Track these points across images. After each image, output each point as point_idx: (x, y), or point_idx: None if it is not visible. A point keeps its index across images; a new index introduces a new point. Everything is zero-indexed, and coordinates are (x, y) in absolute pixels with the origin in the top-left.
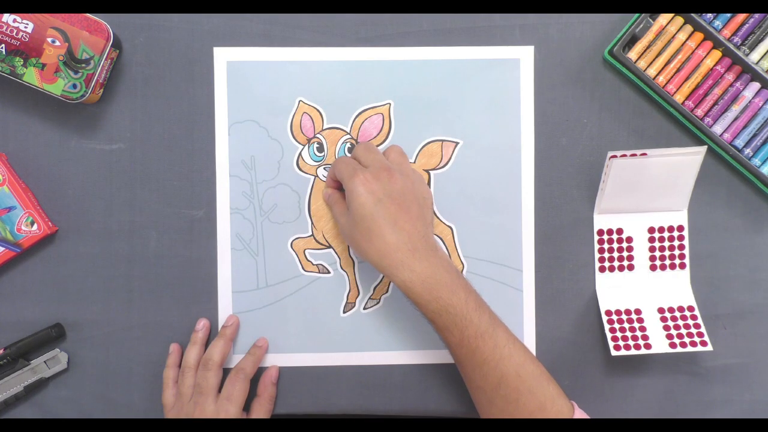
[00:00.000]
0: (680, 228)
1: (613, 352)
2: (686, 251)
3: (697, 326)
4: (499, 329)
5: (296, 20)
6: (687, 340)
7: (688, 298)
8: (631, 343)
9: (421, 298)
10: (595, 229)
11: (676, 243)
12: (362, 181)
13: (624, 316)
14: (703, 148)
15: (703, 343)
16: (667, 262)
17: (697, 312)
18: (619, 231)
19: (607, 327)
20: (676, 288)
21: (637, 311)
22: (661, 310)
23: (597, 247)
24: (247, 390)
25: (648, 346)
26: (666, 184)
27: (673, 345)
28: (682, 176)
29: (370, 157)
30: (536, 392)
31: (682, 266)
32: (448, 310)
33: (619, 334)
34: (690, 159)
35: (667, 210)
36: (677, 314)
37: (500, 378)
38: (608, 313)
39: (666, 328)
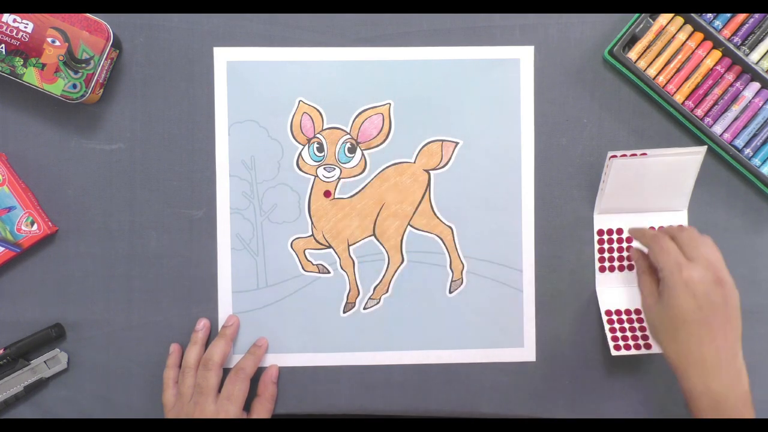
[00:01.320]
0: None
1: (614, 352)
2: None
3: None
4: None
5: (296, 20)
6: None
7: None
8: (631, 343)
9: (705, 413)
10: (595, 229)
11: None
12: (687, 282)
13: (624, 316)
14: (703, 148)
15: None
16: None
17: None
18: (619, 231)
19: (607, 327)
20: None
21: (637, 311)
22: None
23: (597, 247)
24: (247, 390)
25: (648, 346)
26: (666, 184)
27: None
28: (682, 176)
29: (697, 251)
30: None
31: None
32: None
33: (619, 334)
34: (690, 159)
35: (667, 210)
36: None
37: None
38: (608, 313)
39: None
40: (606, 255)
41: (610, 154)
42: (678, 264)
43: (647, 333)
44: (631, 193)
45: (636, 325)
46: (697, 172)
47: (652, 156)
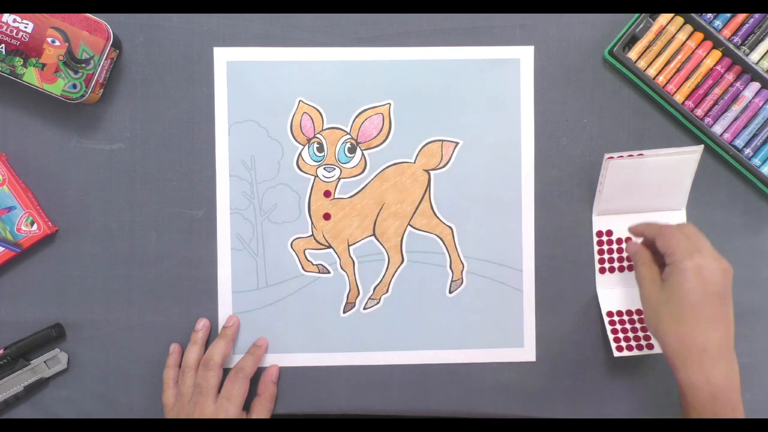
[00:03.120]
0: None
1: (616, 353)
2: None
3: None
4: None
5: (296, 20)
6: None
7: None
8: (633, 343)
9: (701, 406)
10: (594, 231)
11: None
12: (698, 268)
13: (626, 317)
14: (700, 147)
15: None
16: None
17: None
18: (618, 232)
19: (608, 328)
20: None
21: (638, 311)
22: None
23: (596, 248)
24: (246, 390)
25: (650, 346)
26: (663, 183)
27: None
28: (680, 175)
29: (704, 243)
30: None
31: None
32: None
33: (621, 335)
34: (687, 158)
35: (666, 210)
36: None
37: None
38: (609, 314)
39: None
40: (606, 256)
41: (606, 155)
42: (689, 251)
43: (649, 333)
44: (628, 194)
45: (638, 325)
46: (694, 171)
47: (648, 156)
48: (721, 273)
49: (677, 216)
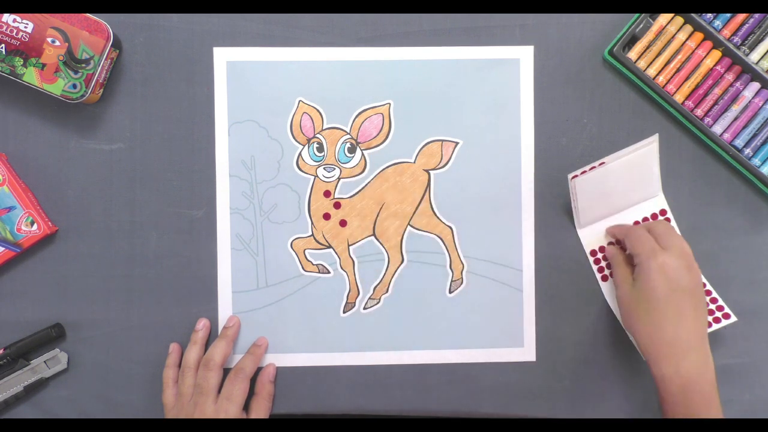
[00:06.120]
0: (663, 212)
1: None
2: (677, 231)
3: (714, 300)
4: None
5: (296, 20)
6: (709, 318)
7: None
8: None
9: (673, 398)
10: (583, 244)
11: None
12: (662, 266)
13: None
14: (655, 137)
15: (726, 316)
16: None
17: (710, 286)
18: (606, 238)
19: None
20: None
21: None
22: None
23: (591, 260)
24: (247, 389)
25: None
26: (633, 180)
27: None
28: (646, 168)
29: (671, 241)
30: None
31: None
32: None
33: None
34: (647, 150)
35: (643, 200)
36: None
37: None
38: None
39: None
40: (603, 264)
41: (570, 175)
42: (653, 250)
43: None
44: (604, 201)
45: None
46: (658, 160)
47: (610, 162)
48: (686, 270)
49: (656, 202)
